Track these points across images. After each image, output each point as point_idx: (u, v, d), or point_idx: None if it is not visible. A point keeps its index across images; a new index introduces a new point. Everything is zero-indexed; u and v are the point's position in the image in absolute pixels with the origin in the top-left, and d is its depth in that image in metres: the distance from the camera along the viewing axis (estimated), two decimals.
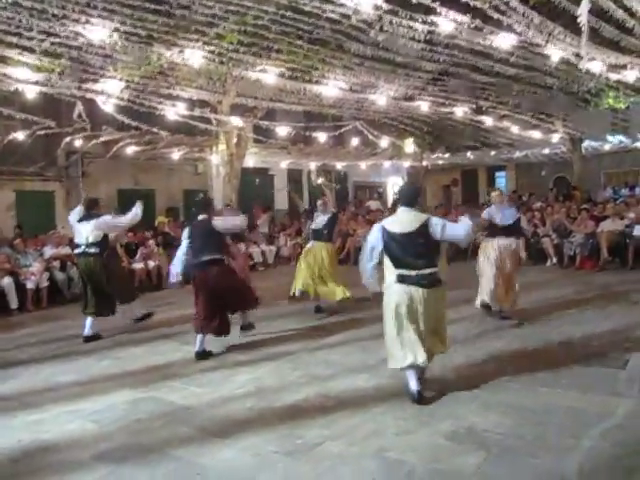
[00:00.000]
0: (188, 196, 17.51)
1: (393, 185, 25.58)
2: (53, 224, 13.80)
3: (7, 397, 4.98)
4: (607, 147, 18.76)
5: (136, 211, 7.24)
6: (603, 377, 4.73)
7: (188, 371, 5.49)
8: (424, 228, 4.40)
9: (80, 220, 7.19)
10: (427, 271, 4.38)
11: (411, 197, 4.65)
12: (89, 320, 7.12)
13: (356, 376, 5.07)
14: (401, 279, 4.42)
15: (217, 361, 5.79)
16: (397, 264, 4.46)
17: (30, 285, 9.52)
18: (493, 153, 19.77)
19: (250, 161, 16.82)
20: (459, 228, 4.54)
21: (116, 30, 7.01)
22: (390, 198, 25.23)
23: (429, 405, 4.29)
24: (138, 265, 11.21)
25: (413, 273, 4.38)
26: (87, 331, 7.10)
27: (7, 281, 9.18)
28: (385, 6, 6.21)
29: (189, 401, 4.64)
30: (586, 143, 17.78)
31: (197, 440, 3.87)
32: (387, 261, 4.55)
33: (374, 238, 4.57)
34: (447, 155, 20.51)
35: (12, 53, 7.64)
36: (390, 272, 4.52)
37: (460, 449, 3.53)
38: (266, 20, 7.34)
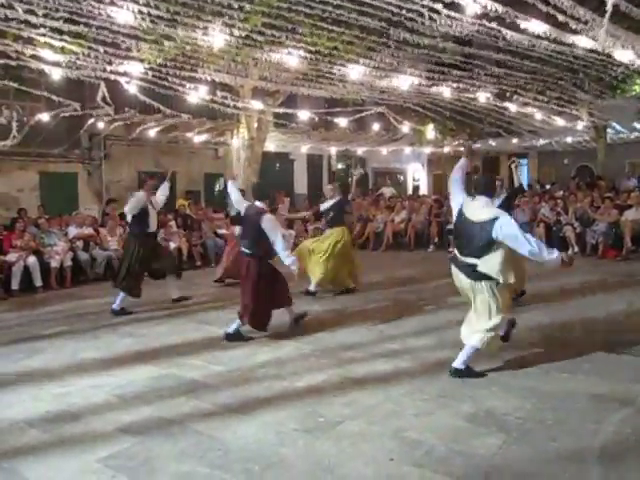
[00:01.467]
0: (208, 179, 17.60)
1: (413, 172, 25.40)
2: (76, 205, 14.00)
3: (34, 371, 5.09)
4: (633, 136, 18.40)
5: (139, 194, 7.53)
6: (625, 364, 4.70)
7: (209, 350, 5.57)
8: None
9: None
10: (469, 260, 4.40)
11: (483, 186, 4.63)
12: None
13: (376, 358, 5.10)
14: (453, 259, 4.62)
15: (237, 342, 5.85)
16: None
17: (54, 264, 9.68)
18: (515, 140, 19.50)
19: (271, 145, 16.84)
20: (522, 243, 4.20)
21: (140, 12, 7.02)
22: (410, 185, 25.09)
23: (448, 387, 4.31)
24: None
25: (460, 257, 4.51)
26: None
27: (32, 260, 9.35)
28: None
29: (210, 379, 4.72)
30: (611, 131, 17.46)
31: (218, 416, 3.94)
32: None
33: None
34: (469, 142, 20.28)
35: (38, 34, 7.72)
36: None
37: (479, 431, 3.55)
38: (290, 2, 7.30)
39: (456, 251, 4.62)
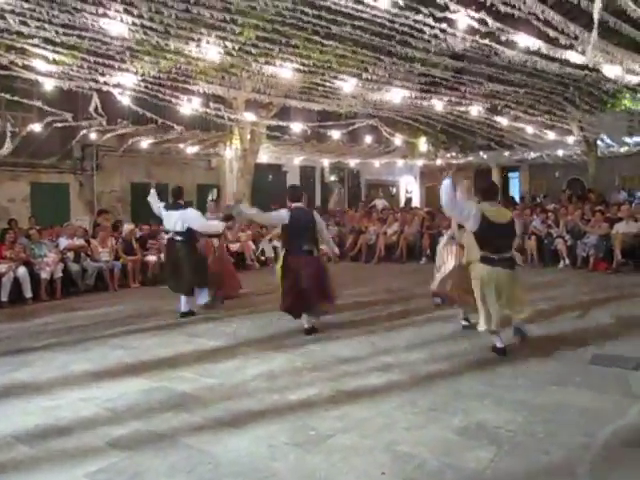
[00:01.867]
0: (201, 191, 17.59)
1: (406, 184, 25.51)
2: (67, 216, 13.95)
3: (23, 384, 5.04)
4: (623, 150, 18.60)
5: (219, 224, 8.23)
6: (616, 377, 4.71)
7: (200, 362, 5.53)
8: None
9: (168, 208, 7.78)
10: (507, 255, 5.28)
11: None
12: (183, 298, 7.73)
13: (367, 371, 5.08)
14: (487, 259, 5.21)
15: (229, 353, 5.82)
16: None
17: (44, 275, 9.62)
18: (507, 153, 19.66)
19: (263, 157, 16.87)
20: None
21: (133, 24, 7.05)
22: (402, 197, 25.18)
23: (440, 400, 4.30)
24: (151, 257, 11.30)
25: (495, 255, 5.19)
26: (183, 307, 7.72)
27: (22, 271, 9.29)
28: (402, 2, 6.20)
29: (201, 392, 4.68)
30: (602, 145, 17.64)
31: (209, 429, 3.91)
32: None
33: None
34: (461, 154, 20.43)
35: (31, 45, 7.73)
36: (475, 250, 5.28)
37: (471, 444, 3.54)
38: (284, 16, 7.36)
39: (487, 253, 5.19)
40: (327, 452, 3.49)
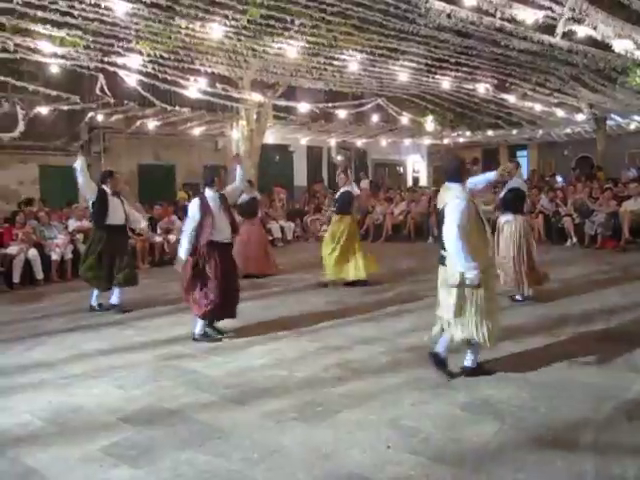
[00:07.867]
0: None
1: (413, 163, 25.39)
2: (76, 198, 14.02)
3: (36, 362, 5.15)
4: (633, 126, 18.39)
5: None
6: (620, 354, 4.73)
7: (209, 342, 5.61)
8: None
9: None
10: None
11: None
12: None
13: (374, 349, 5.15)
14: None
15: (237, 333, 5.89)
16: None
17: (55, 257, 9.72)
18: (515, 131, 19.47)
19: (270, 137, 16.82)
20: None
21: (138, 1, 7.01)
22: (410, 176, 25.09)
23: (444, 377, 4.34)
24: (158, 238, 11.38)
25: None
26: None
27: (33, 252, 9.39)
28: None
29: (210, 369, 4.77)
30: (612, 122, 17.43)
31: (218, 405, 3.99)
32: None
33: None
34: (468, 133, 20.24)
35: (37, 26, 7.71)
36: None
37: (475, 419, 3.60)
38: None
39: None
40: (334, 427, 3.56)
